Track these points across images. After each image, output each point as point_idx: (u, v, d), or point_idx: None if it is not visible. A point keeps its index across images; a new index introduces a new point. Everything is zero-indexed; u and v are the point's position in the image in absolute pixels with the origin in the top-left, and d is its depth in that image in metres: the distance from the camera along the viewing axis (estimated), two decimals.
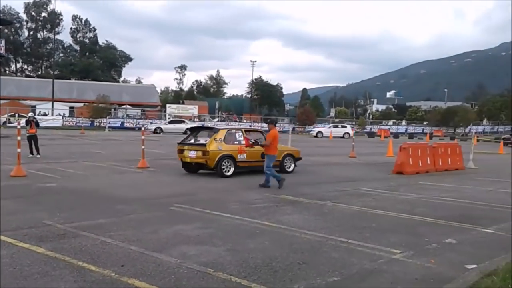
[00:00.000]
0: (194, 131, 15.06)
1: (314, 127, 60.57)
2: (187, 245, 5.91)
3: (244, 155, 13.40)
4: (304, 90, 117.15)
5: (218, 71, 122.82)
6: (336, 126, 50.27)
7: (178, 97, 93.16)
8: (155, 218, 7.56)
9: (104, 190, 10.21)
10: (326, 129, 48.75)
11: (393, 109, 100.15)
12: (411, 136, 56.44)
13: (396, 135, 53.32)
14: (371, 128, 66.51)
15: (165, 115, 63.08)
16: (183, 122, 46.03)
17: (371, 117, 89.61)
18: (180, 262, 5.17)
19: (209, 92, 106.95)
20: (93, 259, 5.18)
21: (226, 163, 13.09)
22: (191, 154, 13.26)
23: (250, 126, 46.72)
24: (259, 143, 11.50)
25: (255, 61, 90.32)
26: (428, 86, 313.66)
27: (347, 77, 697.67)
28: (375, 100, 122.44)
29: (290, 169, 14.57)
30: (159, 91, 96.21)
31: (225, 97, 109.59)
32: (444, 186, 12.69)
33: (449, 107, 79.53)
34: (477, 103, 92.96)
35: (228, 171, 13.13)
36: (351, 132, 45.03)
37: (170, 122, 45.54)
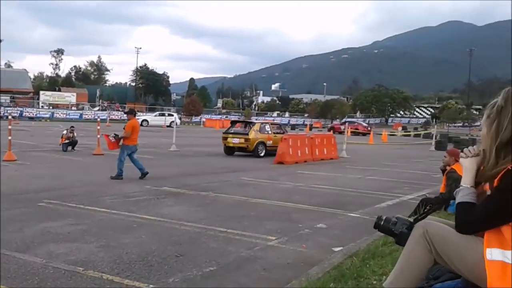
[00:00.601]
0: (234, 123, 19.74)
1: (201, 118, 60.70)
2: (55, 244, 5.51)
3: (271, 141, 17.93)
4: (192, 80, 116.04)
5: (99, 56, 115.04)
6: (163, 115, 49.57)
7: (54, 83, 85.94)
8: (21, 215, 6.92)
9: None
10: (151, 117, 47.89)
11: (278, 101, 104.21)
12: (293, 127, 59.23)
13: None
14: (256, 120, 68.43)
15: (38, 103, 58.05)
16: None
17: (257, 108, 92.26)
18: (46, 262, 4.80)
19: (89, 79, 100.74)
20: None
21: (261, 147, 17.63)
22: (235, 140, 17.65)
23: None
24: (119, 136, 11.22)
25: (140, 48, 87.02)
26: (310, 79, 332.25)
27: (234, 68, 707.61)
28: (261, 92, 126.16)
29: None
30: (32, 77, 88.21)
31: (107, 84, 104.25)
32: (319, 174, 13.55)
33: (327, 100, 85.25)
34: (352, 97, 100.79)
35: (262, 153, 17.67)
36: (178, 121, 45.21)
37: None
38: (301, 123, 69.96)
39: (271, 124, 19.52)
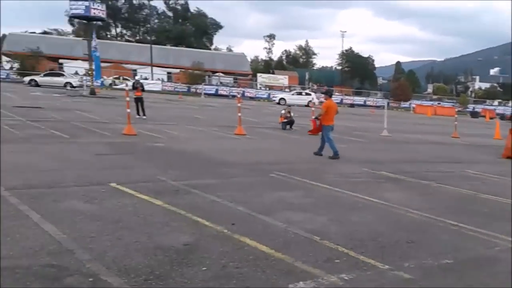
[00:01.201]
0: None
1: (410, 103, 58.05)
2: (291, 211, 6.02)
3: None
4: (398, 63, 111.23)
5: (306, 41, 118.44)
6: (300, 94, 46.13)
7: (268, 66, 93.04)
8: (257, 183, 7.77)
9: (206, 153, 10.61)
10: (289, 96, 45.01)
11: (498, 88, 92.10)
12: None
13: (502, 117, 49.00)
14: (474, 108, 61.88)
15: (256, 84, 63.72)
16: (62, 75, 41.91)
17: (473, 95, 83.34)
18: (286, 227, 5.29)
19: (298, 63, 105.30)
20: (206, 215, 5.46)
21: None
22: None
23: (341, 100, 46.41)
24: (317, 117, 11.99)
25: (345, 32, 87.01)
26: None
27: (444, 51, 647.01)
28: (477, 77, 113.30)
29: None
30: (249, 60, 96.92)
31: (315, 68, 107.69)
32: None
33: None
34: None
35: None
36: (316, 101, 38.31)
37: (46, 75, 40.28)
38: None
39: None
